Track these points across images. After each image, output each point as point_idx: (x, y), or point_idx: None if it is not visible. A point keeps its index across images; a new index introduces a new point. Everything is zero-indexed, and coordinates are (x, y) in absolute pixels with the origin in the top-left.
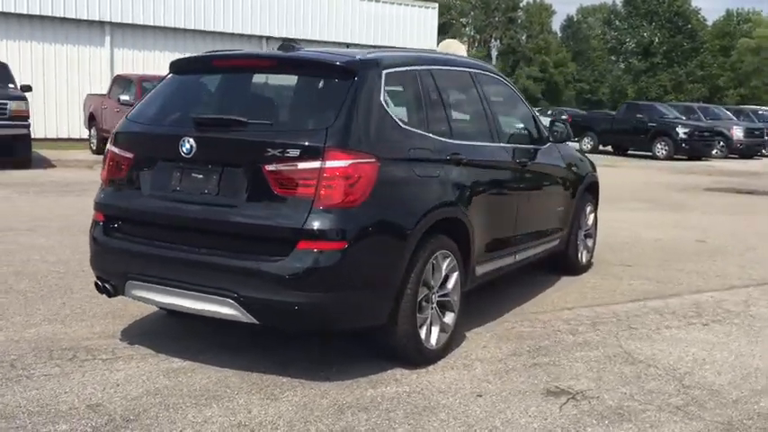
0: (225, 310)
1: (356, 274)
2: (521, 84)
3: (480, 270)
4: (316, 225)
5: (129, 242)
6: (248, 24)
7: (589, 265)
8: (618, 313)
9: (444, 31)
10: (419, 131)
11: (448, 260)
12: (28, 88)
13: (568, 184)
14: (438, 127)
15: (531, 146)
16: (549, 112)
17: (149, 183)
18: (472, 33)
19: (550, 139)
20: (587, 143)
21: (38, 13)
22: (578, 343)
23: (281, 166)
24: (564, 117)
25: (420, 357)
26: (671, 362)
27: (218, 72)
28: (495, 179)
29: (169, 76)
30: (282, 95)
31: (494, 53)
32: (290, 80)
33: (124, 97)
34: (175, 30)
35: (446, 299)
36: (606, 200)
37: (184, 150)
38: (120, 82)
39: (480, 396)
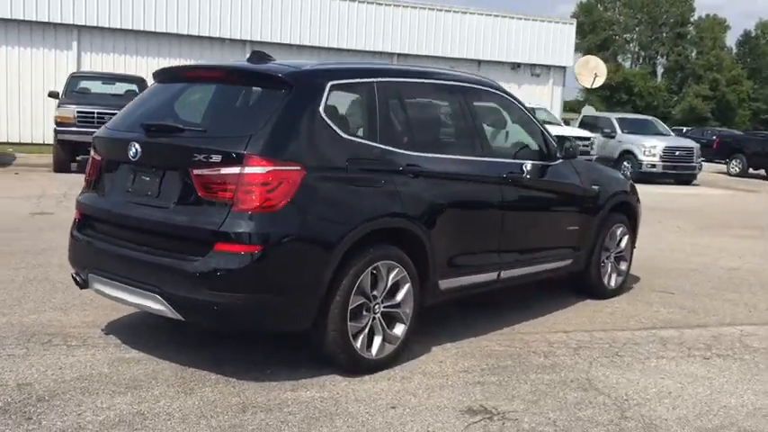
0: (155, 305)
1: (271, 277)
2: (687, 102)
3: (446, 285)
4: (231, 228)
5: (92, 239)
6: (379, 42)
7: (620, 289)
8: (616, 340)
9: (605, 47)
10: (366, 142)
11: (395, 271)
12: None
13: (586, 202)
14: (393, 138)
15: (531, 161)
16: (685, 130)
17: (110, 184)
18: (637, 49)
19: (558, 156)
20: (735, 166)
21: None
22: (543, 365)
23: (205, 171)
24: (710, 136)
25: (353, 366)
26: (629, 392)
27: (184, 81)
28: (471, 193)
29: (152, 84)
30: (226, 105)
31: (659, 70)
32: (240, 90)
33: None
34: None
35: (394, 310)
36: (709, 225)
37: (131, 154)
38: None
39: (393, 408)
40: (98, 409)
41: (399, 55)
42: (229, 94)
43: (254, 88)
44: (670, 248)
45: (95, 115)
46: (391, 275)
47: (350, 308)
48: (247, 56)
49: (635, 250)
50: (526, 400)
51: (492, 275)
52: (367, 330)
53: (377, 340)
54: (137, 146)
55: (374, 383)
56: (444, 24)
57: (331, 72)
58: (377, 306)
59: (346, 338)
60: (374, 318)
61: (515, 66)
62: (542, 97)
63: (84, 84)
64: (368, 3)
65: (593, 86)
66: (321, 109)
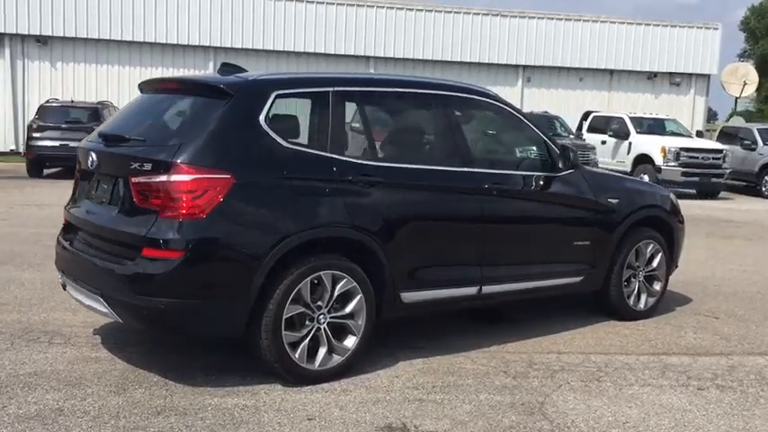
0: (100, 307)
1: (194, 283)
2: None
3: (411, 298)
4: (156, 234)
5: (66, 243)
6: (504, 55)
7: (652, 310)
8: (610, 364)
9: None
10: (311, 151)
11: (343, 282)
12: None
13: (600, 216)
14: (347, 148)
15: (525, 172)
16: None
17: (81, 192)
18: None
19: (560, 166)
20: None
21: None
22: (503, 387)
23: (140, 179)
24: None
25: (291, 375)
26: (578, 420)
27: (153, 93)
28: (440, 204)
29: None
30: (172, 115)
31: None
32: (188, 101)
33: None
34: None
35: (344, 321)
36: None
37: (89, 163)
38: None
39: (309, 420)
40: (24, 404)
41: (526, 67)
42: (178, 105)
43: (199, 99)
44: (742, 269)
45: None
46: (338, 286)
47: (285, 317)
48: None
49: (681, 270)
50: (456, 420)
51: (470, 290)
52: (308, 340)
53: (321, 351)
54: (93, 155)
55: (308, 394)
56: (574, 34)
57: (278, 82)
58: (321, 316)
59: (281, 348)
60: (318, 328)
61: (652, 75)
62: (682, 108)
63: None
64: (501, 15)
65: (742, 96)
66: (262, 118)
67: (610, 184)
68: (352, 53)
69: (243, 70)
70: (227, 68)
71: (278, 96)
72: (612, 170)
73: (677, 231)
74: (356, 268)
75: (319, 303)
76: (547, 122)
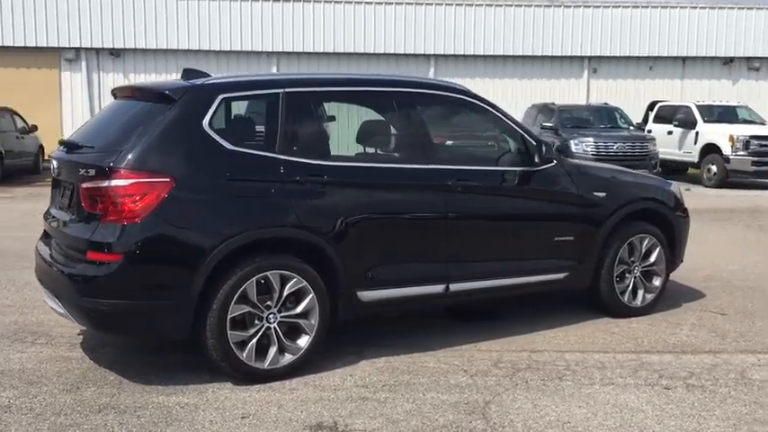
0: (59, 309)
1: (135, 285)
2: None
3: (369, 297)
4: (98, 238)
5: (40, 250)
6: (568, 47)
7: (650, 307)
8: (581, 362)
9: None
10: (256, 153)
11: (292, 281)
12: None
13: (584, 210)
14: (297, 148)
15: (494, 167)
16: None
17: (52, 199)
18: None
19: (536, 161)
20: None
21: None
22: (455, 385)
23: (87, 184)
24: None
25: (239, 374)
26: (516, 419)
27: (118, 100)
28: (397, 201)
29: None
30: (121, 121)
31: None
32: (138, 107)
33: None
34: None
35: (296, 321)
36: None
37: (53, 170)
38: None
39: (243, 418)
40: None
41: (592, 58)
42: (130, 112)
43: (148, 105)
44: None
45: None
46: (287, 285)
47: (229, 317)
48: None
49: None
50: (390, 419)
51: (437, 288)
52: (257, 340)
53: (271, 350)
54: (55, 163)
55: (254, 393)
56: (642, 21)
57: (224, 86)
58: (271, 316)
59: (227, 347)
60: (268, 327)
61: (728, 60)
62: (761, 94)
63: None
64: (564, 6)
65: None
66: (205, 122)
67: (596, 178)
68: (413, 52)
69: (206, 75)
70: (189, 73)
71: (224, 100)
72: (679, 161)
73: (678, 226)
74: (306, 268)
75: (268, 303)
76: (607, 114)
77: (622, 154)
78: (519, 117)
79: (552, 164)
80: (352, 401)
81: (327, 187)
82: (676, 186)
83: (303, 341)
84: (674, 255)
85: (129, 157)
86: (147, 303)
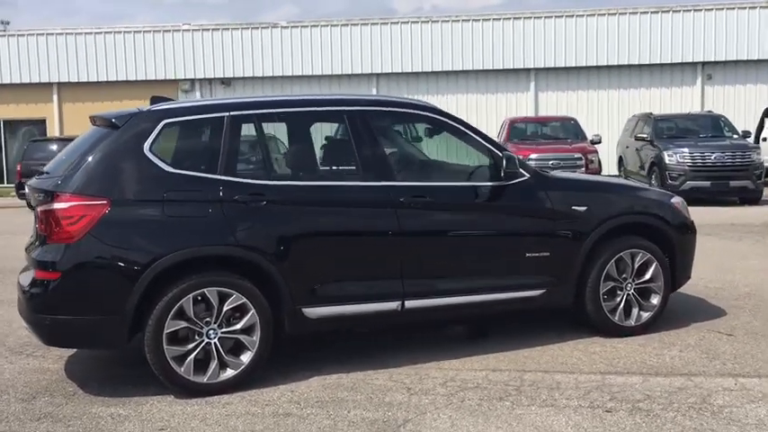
0: (25, 325)
1: (73, 301)
2: None
3: (317, 314)
4: (42, 257)
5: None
6: (679, 53)
7: (647, 326)
8: (536, 382)
9: None
10: (195, 174)
11: (231, 298)
12: None
13: (561, 225)
14: (239, 169)
15: (454, 183)
16: None
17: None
18: None
19: (502, 176)
20: None
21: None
22: (384, 403)
23: (39, 208)
24: None
25: (177, 387)
26: None
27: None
28: (343, 219)
29: None
30: (75, 148)
31: None
32: (93, 134)
33: None
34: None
35: (237, 337)
36: None
37: (27, 196)
38: None
39: (162, 430)
40: None
41: (706, 63)
42: (86, 139)
43: (99, 131)
44: None
45: None
46: (227, 302)
47: (166, 332)
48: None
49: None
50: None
51: (390, 305)
52: (196, 355)
53: (212, 365)
54: (27, 189)
55: (188, 407)
56: (762, 22)
57: (169, 111)
58: (211, 332)
59: (164, 361)
60: (208, 343)
61: None
62: None
63: None
64: (673, 11)
65: None
66: (146, 146)
67: (576, 192)
68: (512, 67)
69: (171, 100)
70: (156, 100)
71: (167, 125)
72: None
73: (679, 241)
74: (246, 285)
75: (208, 319)
76: (710, 123)
77: (721, 165)
78: (618, 129)
79: (523, 178)
80: (274, 417)
81: (268, 206)
82: (679, 200)
83: (246, 357)
84: (674, 271)
85: (71, 181)
86: (84, 319)
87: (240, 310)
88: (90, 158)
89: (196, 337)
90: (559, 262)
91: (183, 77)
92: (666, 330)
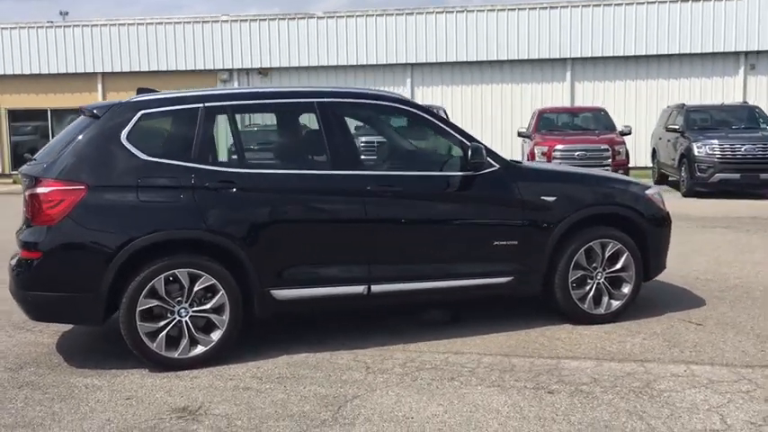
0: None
1: (53, 278)
2: None
3: (284, 296)
4: (26, 238)
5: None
6: (721, 42)
7: (616, 314)
8: (492, 365)
9: None
10: (168, 162)
11: (201, 279)
12: None
13: (531, 214)
14: (211, 157)
15: (421, 172)
16: None
17: None
18: None
19: (468, 166)
20: None
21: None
22: (339, 381)
23: (26, 192)
24: None
25: (150, 362)
26: (366, 412)
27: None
28: (311, 205)
29: None
30: (62, 137)
31: None
32: (78, 124)
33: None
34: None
35: (207, 316)
36: None
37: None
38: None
39: (128, 399)
40: None
41: (749, 53)
42: (71, 128)
43: (83, 121)
44: None
45: None
46: (197, 282)
47: (138, 309)
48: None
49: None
50: (252, 407)
51: (357, 289)
52: (168, 332)
53: (183, 342)
54: (19, 174)
55: (158, 379)
56: None
57: (146, 103)
58: (183, 310)
59: (136, 337)
60: (179, 321)
61: None
62: None
63: None
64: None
65: None
66: (123, 135)
67: (545, 183)
68: (548, 56)
69: (156, 92)
70: (141, 91)
71: (144, 115)
72: None
73: (651, 232)
74: (215, 267)
75: (179, 298)
76: (746, 114)
77: (752, 157)
78: (656, 120)
79: (493, 169)
80: (234, 390)
81: (237, 193)
82: (655, 192)
83: (215, 335)
84: (647, 261)
85: (52, 168)
86: (63, 295)
87: (210, 291)
88: (71, 146)
89: (168, 315)
90: (528, 250)
91: (221, 68)
92: (638, 319)
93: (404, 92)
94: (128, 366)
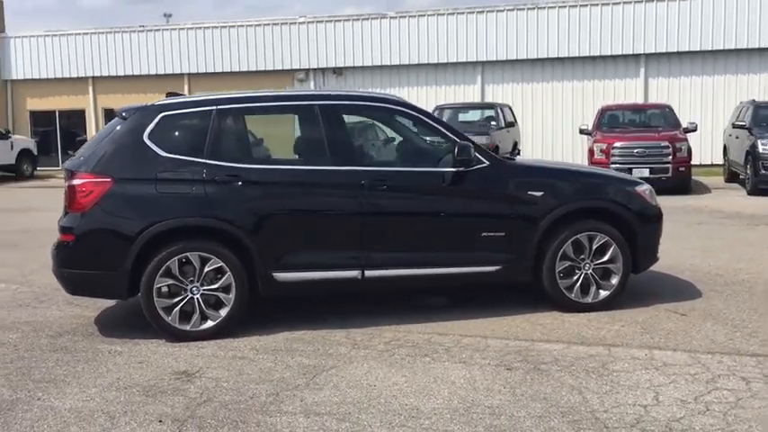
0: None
1: (85, 258)
2: None
3: (284, 278)
4: (64, 223)
5: None
6: None
7: (604, 303)
8: (470, 345)
9: None
10: (183, 158)
11: (210, 261)
12: None
13: (519, 208)
14: (221, 154)
15: (418, 168)
16: None
17: None
18: None
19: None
20: None
21: None
22: (323, 354)
23: (66, 184)
24: None
25: (165, 333)
26: (336, 380)
27: None
28: (309, 197)
29: None
30: (99, 135)
31: None
32: (111, 124)
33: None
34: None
35: (216, 294)
36: None
37: None
38: None
39: (139, 363)
40: None
41: None
42: (106, 128)
43: (114, 122)
44: None
45: None
46: (207, 264)
47: (155, 287)
48: None
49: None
50: (240, 372)
51: (352, 273)
52: (181, 307)
53: (194, 317)
54: (63, 168)
55: (170, 348)
56: None
57: (166, 106)
58: (194, 288)
59: (153, 311)
60: (192, 298)
61: None
62: None
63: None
64: None
65: None
66: (146, 134)
67: (535, 178)
68: (620, 53)
69: (183, 96)
70: (170, 95)
71: (164, 117)
72: None
73: (639, 225)
74: (223, 251)
75: (191, 278)
76: None
77: None
78: (726, 115)
79: (482, 165)
80: (231, 359)
81: (242, 186)
82: (646, 188)
83: (223, 311)
84: (636, 254)
85: (86, 162)
86: (93, 273)
87: (219, 272)
88: (103, 144)
89: (182, 293)
90: (515, 241)
91: (298, 68)
92: (626, 308)
93: (474, 90)
94: (148, 337)
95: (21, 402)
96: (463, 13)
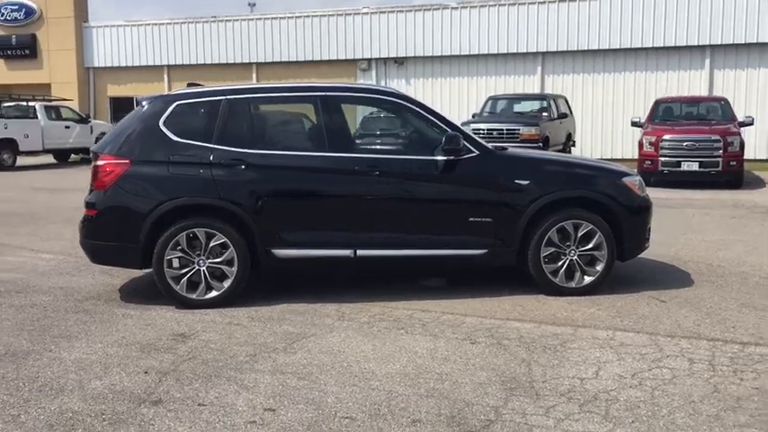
0: None
1: (105, 231)
2: None
3: (283, 254)
4: (88, 199)
5: None
6: None
7: (588, 288)
8: (448, 322)
9: None
10: (192, 142)
11: (215, 237)
12: None
13: (506, 195)
14: (228, 140)
15: (410, 156)
16: None
17: None
18: None
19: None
20: None
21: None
22: (314, 324)
23: (92, 164)
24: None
25: (175, 301)
26: (311, 346)
27: None
28: (306, 180)
29: None
30: (123, 121)
31: None
32: (133, 112)
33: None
34: None
35: (220, 267)
36: None
37: None
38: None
39: (146, 325)
40: (17, 296)
41: None
42: (129, 115)
43: (137, 110)
44: None
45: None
46: (212, 240)
47: (165, 258)
48: None
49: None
50: (231, 336)
51: (345, 252)
52: (189, 277)
53: (200, 286)
54: (90, 151)
55: (177, 313)
56: None
57: (181, 95)
58: (201, 261)
59: (164, 280)
60: (198, 270)
61: None
62: None
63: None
64: None
65: None
66: (161, 121)
67: (523, 167)
68: (685, 44)
69: (200, 85)
70: (191, 85)
71: (178, 105)
72: None
73: (624, 215)
74: (227, 228)
75: (198, 252)
76: None
77: None
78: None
79: (472, 154)
80: (226, 325)
81: (246, 169)
82: (634, 179)
83: (226, 283)
84: (621, 242)
85: (109, 145)
86: (112, 244)
87: (224, 247)
88: (124, 129)
89: (190, 265)
90: (501, 227)
91: (361, 57)
92: (610, 294)
93: (534, 80)
94: (160, 303)
95: (34, 353)
96: (524, 3)
